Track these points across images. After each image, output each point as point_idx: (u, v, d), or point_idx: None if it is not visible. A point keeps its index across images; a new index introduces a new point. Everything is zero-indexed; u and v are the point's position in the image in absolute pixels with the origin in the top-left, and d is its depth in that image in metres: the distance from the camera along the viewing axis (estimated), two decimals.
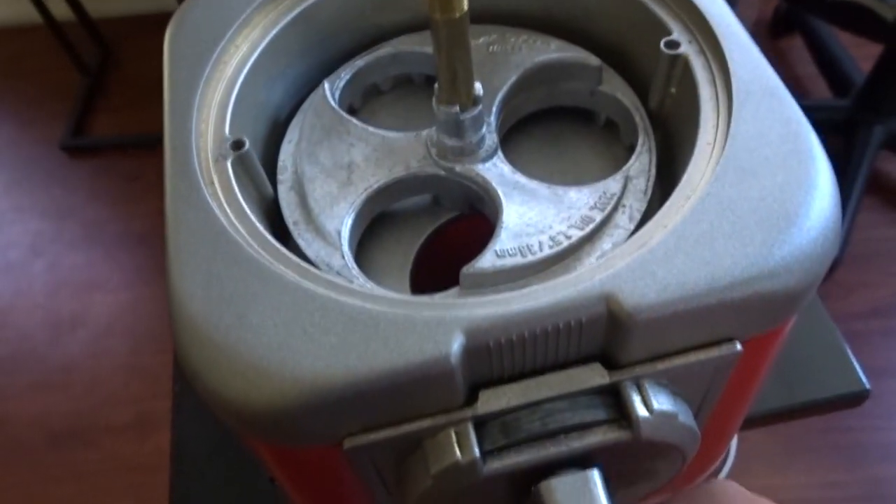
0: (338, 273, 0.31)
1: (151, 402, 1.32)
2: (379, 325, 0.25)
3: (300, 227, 0.33)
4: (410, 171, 0.34)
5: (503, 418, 0.27)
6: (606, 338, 0.27)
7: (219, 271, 0.27)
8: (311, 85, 0.38)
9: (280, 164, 0.35)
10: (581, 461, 0.28)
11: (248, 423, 0.26)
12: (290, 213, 0.33)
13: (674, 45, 0.33)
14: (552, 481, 0.28)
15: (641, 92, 0.36)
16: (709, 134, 0.30)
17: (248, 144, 0.32)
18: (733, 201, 0.27)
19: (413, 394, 0.26)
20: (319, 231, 0.32)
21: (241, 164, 0.32)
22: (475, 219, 0.36)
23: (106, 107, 1.67)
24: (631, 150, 0.35)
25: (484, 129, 0.34)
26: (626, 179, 0.33)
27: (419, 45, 0.39)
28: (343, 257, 0.31)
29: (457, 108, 0.32)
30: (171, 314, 0.27)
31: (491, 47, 0.38)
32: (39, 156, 1.57)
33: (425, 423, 0.27)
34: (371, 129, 0.35)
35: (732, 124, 0.29)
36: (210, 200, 0.29)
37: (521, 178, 0.33)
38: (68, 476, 1.30)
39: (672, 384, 0.28)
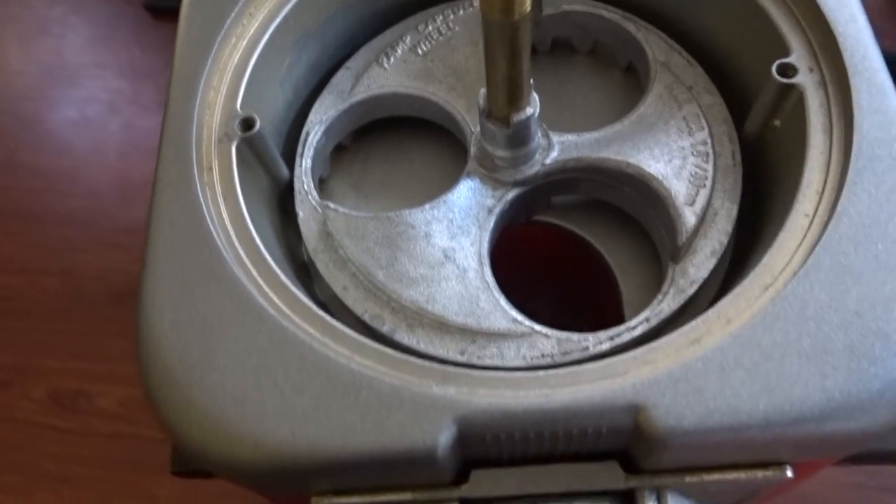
0: (567, 358, 0.25)
1: None
2: (360, 393, 0.22)
3: (474, 353, 0.26)
4: (498, 213, 0.28)
5: None
6: (630, 441, 0.22)
7: (193, 286, 0.24)
8: (349, 48, 0.33)
9: (367, 316, 0.27)
10: None
11: (203, 464, 0.23)
12: (446, 350, 0.26)
13: (789, 70, 0.26)
14: None
15: (737, 111, 0.29)
16: (809, 202, 0.24)
17: (258, 124, 0.27)
18: (822, 308, 0.22)
19: (391, 473, 0.22)
20: (499, 336, 0.26)
21: (250, 148, 0.27)
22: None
23: None
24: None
25: None
26: (665, 67, 0.30)
27: (334, 105, 0.31)
28: (547, 336, 0.26)
29: (530, 111, 0.27)
30: (138, 326, 0.24)
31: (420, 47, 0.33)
32: (123, 13, 1.54)
33: (405, 497, 0.23)
34: (427, 204, 0.28)
35: (843, 196, 0.23)
36: (201, 195, 0.25)
37: (594, 135, 0.29)
38: (125, 332, 1.34)
39: (699, 494, 0.24)
